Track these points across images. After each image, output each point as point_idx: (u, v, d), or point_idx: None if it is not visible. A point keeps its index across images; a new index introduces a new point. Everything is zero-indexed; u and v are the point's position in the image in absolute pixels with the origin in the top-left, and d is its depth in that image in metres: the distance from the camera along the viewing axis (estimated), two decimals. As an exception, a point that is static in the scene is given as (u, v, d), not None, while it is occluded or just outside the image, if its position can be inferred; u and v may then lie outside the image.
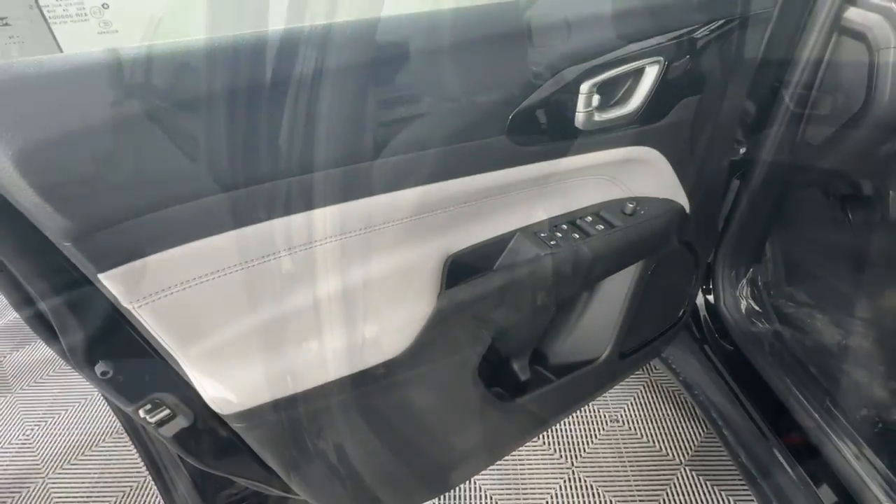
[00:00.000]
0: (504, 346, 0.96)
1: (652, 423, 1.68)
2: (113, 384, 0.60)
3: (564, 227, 0.81)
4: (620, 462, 1.59)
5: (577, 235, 0.80)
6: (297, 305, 0.62)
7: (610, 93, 0.76)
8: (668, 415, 1.69)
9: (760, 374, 1.20)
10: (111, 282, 0.51)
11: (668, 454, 1.59)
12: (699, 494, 1.49)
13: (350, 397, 0.69)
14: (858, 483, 0.95)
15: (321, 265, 0.62)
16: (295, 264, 0.60)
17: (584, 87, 0.71)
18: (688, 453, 1.59)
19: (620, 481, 1.54)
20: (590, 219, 0.84)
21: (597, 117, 0.74)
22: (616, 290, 0.95)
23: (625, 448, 1.62)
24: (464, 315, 0.73)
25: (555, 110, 0.70)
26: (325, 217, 0.60)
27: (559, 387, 0.96)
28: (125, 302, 0.53)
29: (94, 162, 0.47)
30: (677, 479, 1.54)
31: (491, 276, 0.75)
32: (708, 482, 1.51)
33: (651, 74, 0.76)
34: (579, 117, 0.73)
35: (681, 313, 1.10)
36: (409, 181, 0.65)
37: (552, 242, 0.78)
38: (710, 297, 1.30)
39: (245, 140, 0.54)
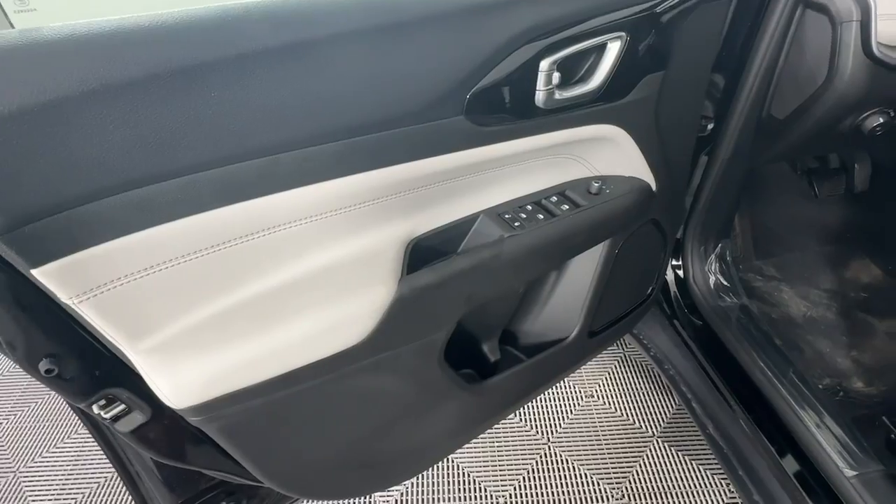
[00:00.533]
0: (472, 328, 0.96)
1: (625, 397, 1.71)
2: (59, 382, 0.58)
3: (529, 207, 0.80)
4: (595, 437, 1.62)
5: (541, 216, 0.79)
6: (251, 295, 0.60)
7: (571, 70, 0.75)
8: (640, 389, 1.72)
9: (728, 348, 1.23)
10: (46, 278, 0.49)
11: (641, 427, 1.62)
12: (671, 465, 1.52)
13: (312, 386, 0.68)
14: (820, 452, 0.98)
15: (275, 253, 0.60)
16: (247, 253, 0.58)
17: (544, 64, 0.69)
18: (660, 425, 1.62)
19: (595, 455, 1.57)
20: (555, 199, 0.83)
21: (558, 95, 0.72)
22: (584, 269, 0.95)
23: (599, 422, 1.65)
24: (427, 300, 0.72)
25: (514, 89, 0.69)
26: (277, 203, 0.58)
27: (529, 367, 0.97)
28: (64, 298, 0.51)
29: (17, 151, 0.44)
30: (650, 451, 1.57)
31: (454, 259, 0.74)
32: (679, 453, 1.55)
33: (613, 50, 0.74)
34: (539, 96, 0.71)
35: (650, 290, 1.11)
36: (366, 164, 0.63)
37: (516, 224, 0.77)
38: (680, 273, 1.31)
39: (185, 125, 0.51)
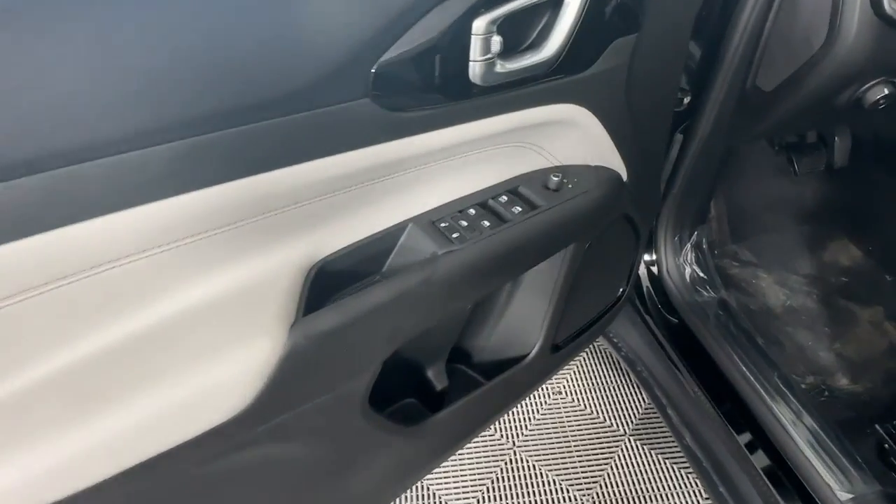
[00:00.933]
0: (412, 352, 0.79)
1: (595, 393, 1.60)
2: None
3: (471, 212, 0.63)
4: (564, 437, 1.51)
5: (487, 223, 0.62)
6: (62, 367, 0.42)
7: (517, 33, 0.57)
8: (611, 383, 1.61)
9: (706, 349, 1.10)
10: None
11: (612, 425, 1.52)
12: (644, 466, 1.43)
13: (168, 481, 0.51)
14: (811, 472, 0.87)
15: (101, 302, 0.42)
16: (48, 307, 0.40)
17: (479, 24, 0.51)
18: (631, 422, 1.52)
19: (564, 459, 1.46)
20: (504, 198, 0.66)
21: (500, 68, 0.55)
22: (544, 276, 0.79)
23: (568, 422, 1.54)
24: (334, 347, 0.55)
25: (438, 60, 0.51)
26: (90, 234, 0.40)
27: (482, 394, 0.82)
28: None
29: None
30: (622, 451, 1.47)
31: (372, 289, 0.57)
32: (653, 452, 1.46)
33: (573, 6, 0.57)
34: (475, 68, 0.54)
35: (620, 292, 0.97)
36: (235, 170, 0.45)
37: (455, 235, 0.60)
38: (653, 267, 1.17)
39: None
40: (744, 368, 1.05)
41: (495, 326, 0.88)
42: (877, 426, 1.00)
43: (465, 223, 0.62)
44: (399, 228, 0.60)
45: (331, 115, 0.47)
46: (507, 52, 0.55)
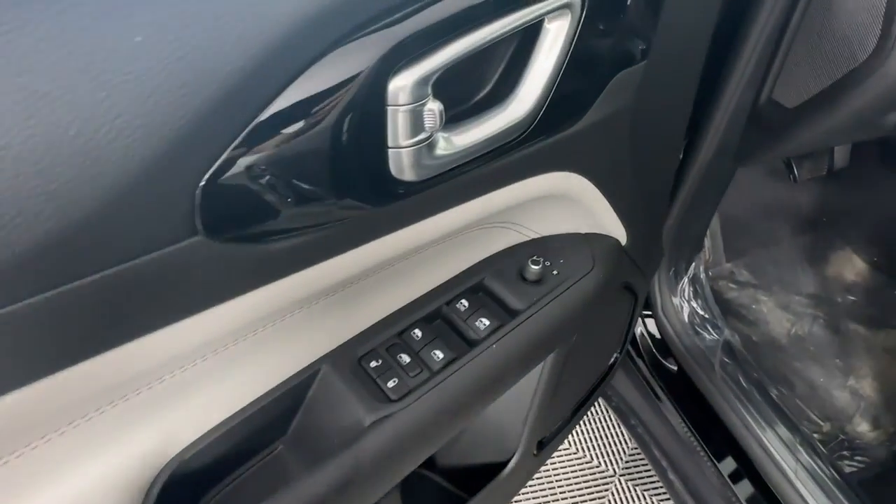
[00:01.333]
0: None
1: (584, 434, 1.45)
2: None
3: (417, 334, 0.43)
4: (553, 483, 1.36)
5: (440, 353, 0.42)
6: None
7: (468, 82, 0.37)
8: (601, 423, 1.46)
9: (710, 403, 0.94)
10: None
11: (600, 465, 1.38)
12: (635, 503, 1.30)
13: None
14: None
15: None
16: None
17: (400, 86, 0.31)
18: (621, 461, 1.38)
19: (557, 501, 1.32)
20: (466, 303, 0.46)
21: (443, 148, 0.35)
22: (524, 379, 0.60)
23: (558, 465, 1.39)
24: None
25: (329, 151, 0.30)
26: None
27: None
28: None
29: None
30: (612, 494, 1.33)
31: (268, 481, 0.37)
32: (645, 493, 1.33)
33: (557, 34, 0.37)
34: (399, 159, 0.33)
35: (613, 360, 0.79)
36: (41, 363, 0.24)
37: (393, 382, 0.40)
38: (647, 310, 1.00)
39: None
40: (756, 430, 0.90)
41: (470, 433, 0.69)
42: None
43: (406, 358, 0.42)
44: (304, 381, 0.39)
45: (161, 265, 0.27)
46: (454, 117, 0.35)
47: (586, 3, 0.38)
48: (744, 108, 0.78)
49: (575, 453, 1.40)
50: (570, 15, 0.37)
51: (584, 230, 0.55)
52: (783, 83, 0.74)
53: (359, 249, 0.35)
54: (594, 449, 1.40)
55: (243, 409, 0.37)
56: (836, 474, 0.86)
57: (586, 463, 1.38)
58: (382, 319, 0.43)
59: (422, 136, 0.33)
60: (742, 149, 0.84)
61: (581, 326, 0.55)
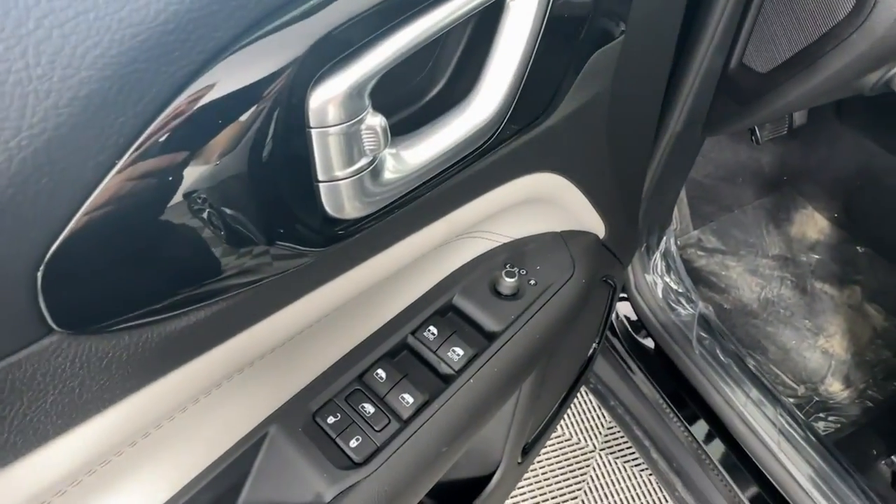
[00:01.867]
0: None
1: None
2: None
3: (381, 375, 0.37)
4: (537, 459, 1.35)
5: (408, 398, 0.36)
6: None
7: (415, 82, 0.29)
8: (578, 400, 1.45)
9: (689, 381, 0.93)
10: None
11: (580, 441, 1.38)
12: (616, 476, 1.31)
13: None
14: None
15: None
16: None
17: (325, 99, 0.23)
18: (600, 436, 1.38)
19: (540, 480, 1.32)
20: (435, 330, 0.40)
21: (391, 171, 0.27)
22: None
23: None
24: None
25: (235, 194, 0.23)
26: None
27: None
28: None
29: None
30: (594, 468, 1.34)
31: None
32: (626, 465, 1.33)
33: (525, 15, 0.29)
34: (332, 195, 0.26)
35: (591, 351, 0.75)
36: None
37: (356, 441, 0.34)
38: (622, 292, 0.97)
39: None
40: (737, 403, 0.89)
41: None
42: (889, 458, 0.88)
43: (370, 408, 0.35)
44: (253, 439, 0.32)
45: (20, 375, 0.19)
46: (402, 127, 0.28)
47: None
48: (713, 76, 0.74)
49: (554, 432, 1.39)
50: (536, -12, 0.30)
51: (560, 228, 0.49)
52: (754, 47, 0.69)
53: (295, 304, 0.28)
54: (574, 426, 1.39)
55: (176, 497, 0.30)
56: (812, 436, 0.87)
57: (566, 440, 1.37)
58: (338, 361, 0.36)
59: (362, 162, 0.25)
60: (712, 118, 0.79)
61: (564, 335, 0.50)
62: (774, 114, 0.76)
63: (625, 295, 0.98)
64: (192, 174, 0.21)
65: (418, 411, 0.36)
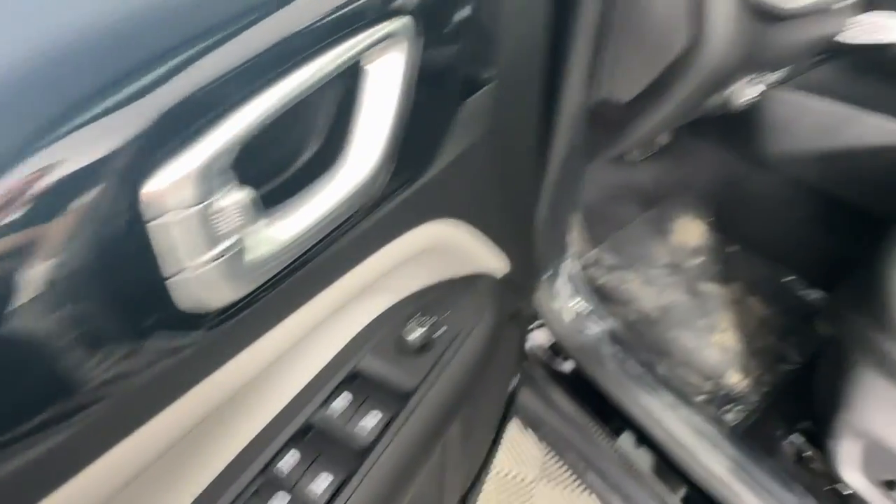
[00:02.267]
0: None
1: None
2: None
3: (286, 465, 0.33)
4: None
5: (321, 483, 0.33)
6: None
7: (284, 147, 0.28)
8: (507, 431, 1.44)
9: (609, 394, 0.96)
10: None
11: (518, 474, 1.36)
12: (561, 503, 1.31)
13: None
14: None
15: None
16: None
17: (169, 179, 0.21)
18: (537, 465, 1.38)
19: None
20: (344, 401, 0.37)
21: (265, 243, 0.26)
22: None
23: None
24: None
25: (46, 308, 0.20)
26: None
27: None
28: None
29: None
30: (538, 498, 1.32)
31: None
32: (565, 490, 1.33)
33: (384, 74, 0.29)
34: (194, 288, 0.23)
35: (512, 388, 0.75)
36: None
37: None
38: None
39: None
40: (654, 410, 0.92)
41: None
42: (793, 438, 0.95)
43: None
44: None
45: None
46: (274, 193, 0.26)
47: (419, 23, 0.31)
48: (584, 109, 0.79)
49: (491, 470, 1.37)
50: (405, 39, 0.30)
51: (464, 272, 0.49)
52: (616, 80, 0.75)
53: (180, 401, 0.24)
54: (510, 460, 1.38)
55: None
56: (723, 430, 0.92)
57: (504, 475, 1.35)
58: (239, 454, 0.32)
59: (224, 244, 0.23)
60: (588, 148, 0.85)
61: (481, 378, 0.49)
62: (643, 138, 0.84)
63: (541, 321, 1.00)
64: (27, 275, 0.18)
65: (334, 496, 0.33)
